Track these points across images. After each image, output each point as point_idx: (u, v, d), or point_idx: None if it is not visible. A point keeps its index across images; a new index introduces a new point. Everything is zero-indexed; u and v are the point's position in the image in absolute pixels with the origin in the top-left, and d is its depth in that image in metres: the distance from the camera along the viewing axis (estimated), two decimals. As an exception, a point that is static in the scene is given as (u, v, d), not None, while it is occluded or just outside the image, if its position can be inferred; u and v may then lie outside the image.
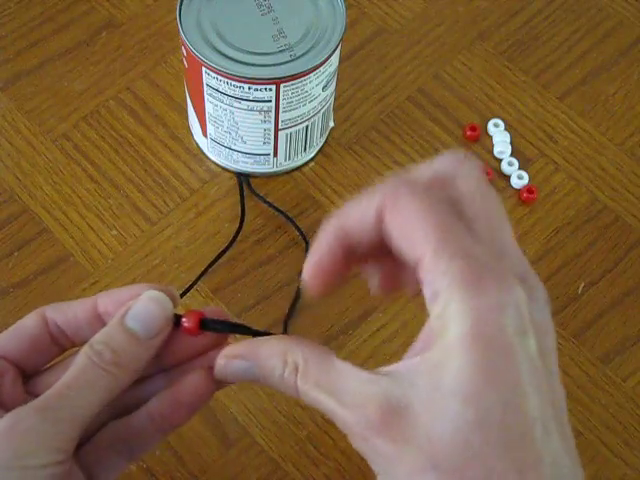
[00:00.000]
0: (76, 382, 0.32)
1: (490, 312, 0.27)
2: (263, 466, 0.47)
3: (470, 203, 0.30)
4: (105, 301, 0.35)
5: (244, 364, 0.32)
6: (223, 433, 0.48)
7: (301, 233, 0.54)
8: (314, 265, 0.32)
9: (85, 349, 0.33)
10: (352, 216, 0.31)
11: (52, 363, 0.36)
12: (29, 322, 0.35)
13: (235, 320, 0.35)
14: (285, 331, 0.51)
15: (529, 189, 0.56)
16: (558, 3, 0.66)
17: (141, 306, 0.34)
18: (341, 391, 0.29)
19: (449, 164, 0.31)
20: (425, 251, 0.28)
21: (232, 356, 0.33)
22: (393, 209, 0.29)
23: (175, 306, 0.35)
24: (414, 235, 0.29)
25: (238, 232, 0.54)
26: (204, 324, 0.35)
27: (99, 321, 0.35)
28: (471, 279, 0.27)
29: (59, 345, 0.36)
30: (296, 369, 0.30)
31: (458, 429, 0.26)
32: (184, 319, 0.35)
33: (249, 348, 0.32)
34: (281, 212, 0.55)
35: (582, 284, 0.54)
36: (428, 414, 0.27)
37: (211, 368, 0.34)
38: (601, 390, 0.50)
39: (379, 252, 0.31)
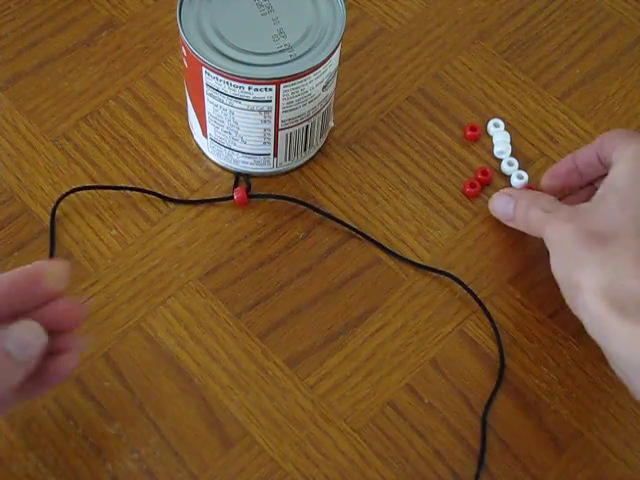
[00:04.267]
0: None
1: None
2: (263, 466, 0.47)
3: None
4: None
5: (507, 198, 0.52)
6: (223, 433, 0.48)
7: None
8: (552, 172, 0.53)
9: None
10: (580, 151, 0.52)
11: None
12: None
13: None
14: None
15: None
16: (558, 3, 0.66)
17: (18, 334, 0.39)
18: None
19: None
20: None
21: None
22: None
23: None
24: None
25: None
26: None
27: None
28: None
29: None
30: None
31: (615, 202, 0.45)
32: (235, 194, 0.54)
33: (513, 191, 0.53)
34: (294, 200, 0.55)
35: (582, 284, 0.54)
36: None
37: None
38: (601, 390, 0.50)
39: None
